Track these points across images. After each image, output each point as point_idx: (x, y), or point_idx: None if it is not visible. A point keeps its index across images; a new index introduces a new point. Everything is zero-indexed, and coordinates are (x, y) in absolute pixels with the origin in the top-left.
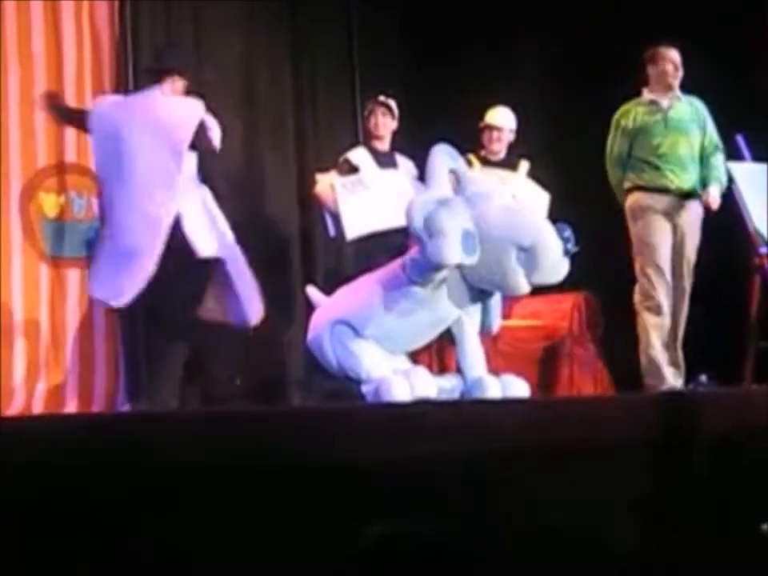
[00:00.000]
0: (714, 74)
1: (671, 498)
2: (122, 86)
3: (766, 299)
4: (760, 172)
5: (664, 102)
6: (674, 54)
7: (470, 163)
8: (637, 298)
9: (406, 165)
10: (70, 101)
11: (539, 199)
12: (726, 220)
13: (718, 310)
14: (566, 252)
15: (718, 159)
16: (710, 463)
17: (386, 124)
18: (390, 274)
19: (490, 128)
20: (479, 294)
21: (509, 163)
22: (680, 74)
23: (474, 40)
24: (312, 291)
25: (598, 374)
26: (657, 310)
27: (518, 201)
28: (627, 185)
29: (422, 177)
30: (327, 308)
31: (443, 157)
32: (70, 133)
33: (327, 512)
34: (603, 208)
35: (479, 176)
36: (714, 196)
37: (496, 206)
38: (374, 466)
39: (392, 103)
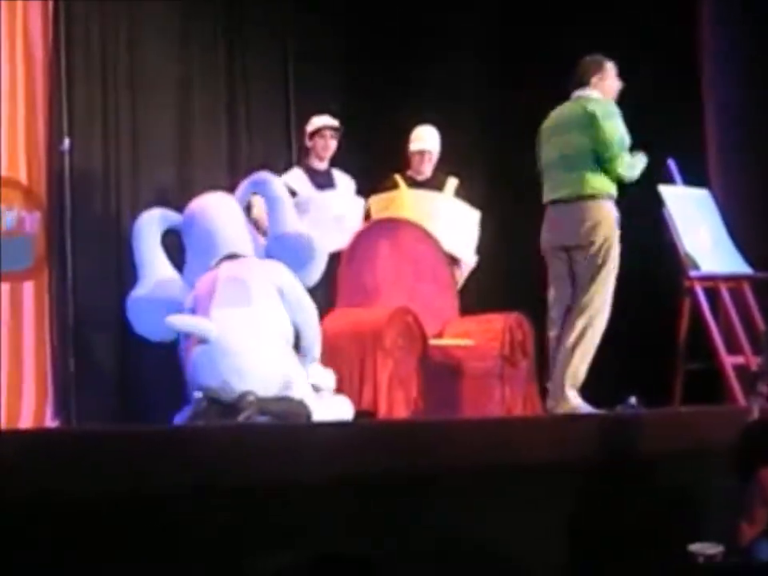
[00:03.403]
0: (648, 99)
1: (599, 520)
2: (56, 109)
3: (695, 322)
4: (690, 196)
5: None
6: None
7: (395, 185)
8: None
9: (343, 181)
10: (3, 119)
11: (467, 217)
12: (657, 243)
13: (647, 331)
14: None
15: None
16: (638, 485)
17: (332, 146)
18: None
19: (418, 153)
20: None
21: (435, 182)
22: None
23: (409, 61)
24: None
25: (528, 394)
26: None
27: None
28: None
29: (360, 191)
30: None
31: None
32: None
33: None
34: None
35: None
36: None
37: None
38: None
39: (338, 124)
